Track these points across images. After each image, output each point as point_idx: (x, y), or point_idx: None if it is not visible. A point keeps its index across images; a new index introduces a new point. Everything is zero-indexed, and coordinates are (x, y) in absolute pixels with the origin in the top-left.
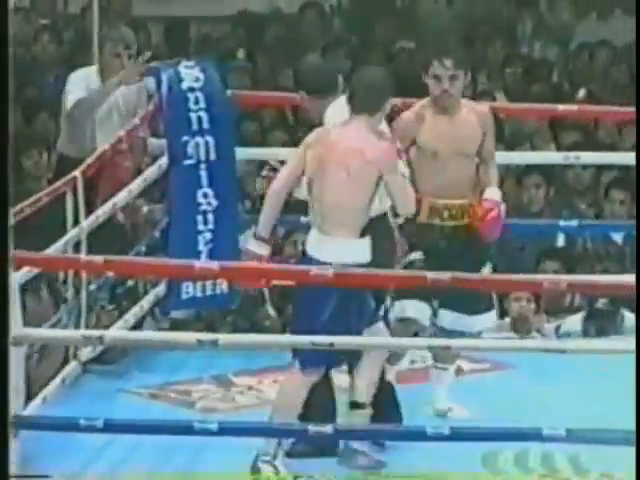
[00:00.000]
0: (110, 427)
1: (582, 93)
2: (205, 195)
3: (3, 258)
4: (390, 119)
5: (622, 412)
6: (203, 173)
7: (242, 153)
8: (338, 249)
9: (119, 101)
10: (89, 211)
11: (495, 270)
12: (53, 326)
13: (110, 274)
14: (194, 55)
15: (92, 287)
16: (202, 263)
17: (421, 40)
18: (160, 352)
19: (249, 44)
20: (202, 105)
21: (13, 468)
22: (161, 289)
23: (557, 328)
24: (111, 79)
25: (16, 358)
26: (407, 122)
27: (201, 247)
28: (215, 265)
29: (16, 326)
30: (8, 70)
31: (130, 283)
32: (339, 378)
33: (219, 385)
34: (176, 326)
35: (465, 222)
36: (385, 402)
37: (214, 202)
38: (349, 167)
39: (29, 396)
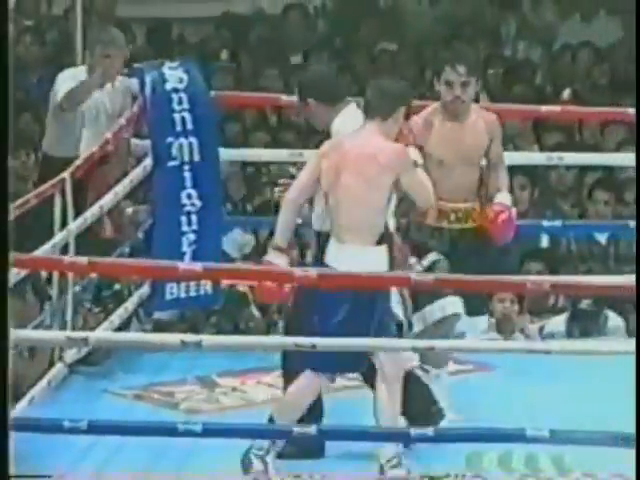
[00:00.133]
0: (94, 428)
1: (567, 93)
2: (189, 196)
3: (3, 259)
4: None
5: (606, 412)
6: (187, 174)
7: (225, 154)
8: (355, 257)
9: (106, 102)
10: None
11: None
12: (37, 327)
13: (94, 275)
14: (178, 56)
15: (77, 288)
16: (186, 264)
17: (405, 41)
18: (144, 353)
19: (233, 45)
20: (186, 106)
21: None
22: (145, 290)
23: (541, 329)
24: (97, 71)
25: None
26: (415, 129)
27: (185, 248)
28: (199, 266)
29: None
30: (8, 70)
31: (117, 287)
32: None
33: (203, 386)
34: (160, 327)
35: (470, 225)
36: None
37: (198, 203)
38: (364, 173)
39: (16, 397)
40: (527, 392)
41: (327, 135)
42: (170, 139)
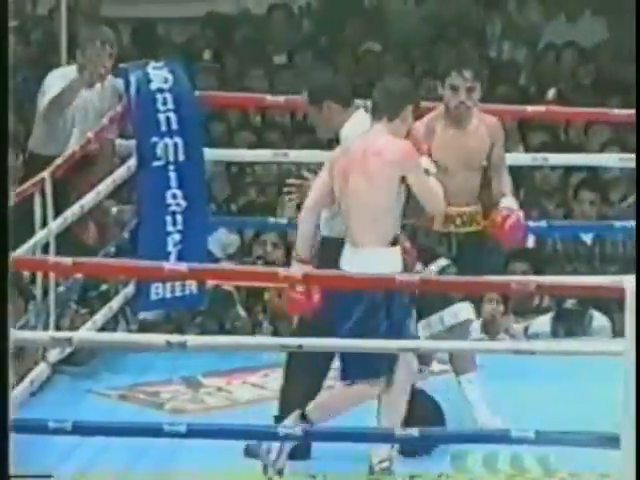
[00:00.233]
0: (79, 429)
1: (552, 93)
2: (174, 196)
3: (3, 259)
4: None
5: (591, 413)
6: (172, 174)
7: (209, 154)
8: (368, 260)
9: (95, 101)
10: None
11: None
12: (21, 328)
13: (79, 276)
14: (162, 56)
15: (61, 289)
16: (171, 264)
17: (390, 41)
18: (129, 353)
19: (217, 45)
20: (171, 106)
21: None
22: (130, 290)
23: (526, 329)
24: (86, 72)
25: None
26: (417, 136)
27: (170, 248)
28: (184, 266)
29: None
30: (8, 70)
31: (104, 287)
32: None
33: (188, 386)
34: (145, 327)
35: (475, 228)
36: None
37: (183, 203)
38: (369, 171)
39: None
40: (512, 392)
41: (315, 135)
42: (155, 139)
